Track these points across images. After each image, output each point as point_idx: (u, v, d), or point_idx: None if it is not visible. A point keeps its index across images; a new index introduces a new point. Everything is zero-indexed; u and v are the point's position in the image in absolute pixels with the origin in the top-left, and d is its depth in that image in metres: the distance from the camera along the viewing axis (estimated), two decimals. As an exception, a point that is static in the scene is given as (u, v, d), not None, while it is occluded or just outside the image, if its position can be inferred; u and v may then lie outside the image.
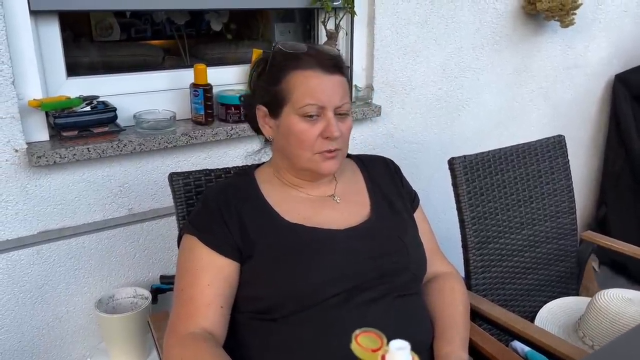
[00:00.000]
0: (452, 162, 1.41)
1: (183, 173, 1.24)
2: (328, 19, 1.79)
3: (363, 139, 1.99)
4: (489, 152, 1.48)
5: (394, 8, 1.91)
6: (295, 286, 0.97)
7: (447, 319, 1.09)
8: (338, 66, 1.05)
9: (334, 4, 1.78)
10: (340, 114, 1.03)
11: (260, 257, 0.99)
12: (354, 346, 0.50)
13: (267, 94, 1.06)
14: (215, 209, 1.03)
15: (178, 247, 1.07)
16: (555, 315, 1.50)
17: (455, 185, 1.41)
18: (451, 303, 1.12)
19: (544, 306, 1.52)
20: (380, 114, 1.96)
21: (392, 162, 1.26)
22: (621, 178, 2.65)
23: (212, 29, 1.89)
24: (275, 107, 1.05)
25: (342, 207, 1.11)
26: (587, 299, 1.49)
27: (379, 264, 1.03)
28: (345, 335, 0.92)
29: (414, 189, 1.27)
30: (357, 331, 0.52)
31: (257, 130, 1.14)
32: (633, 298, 1.37)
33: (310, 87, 1.01)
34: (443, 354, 1.03)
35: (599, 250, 1.67)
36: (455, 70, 2.16)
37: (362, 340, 0.49)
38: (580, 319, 1.43)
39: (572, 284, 1.64)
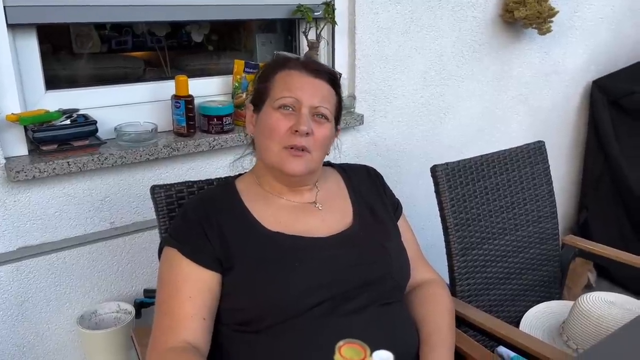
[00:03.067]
0: (434, 170, 1.42)
1: (165, 185, 1.23)
2: (309, 29, 1.79)
3: (346, 148, 1.99)
4: (470, 159, 1.49)
5: (375, 18, 1.93)
6: (275, 297, 0.97)
7: (432, 325, 1.09)
8: (326, 73, 1.10)
9: (315, 14, 1.79)
10: (317, 116, 1.05)
11: (240, 267, 0.99)
12: (337, 358, 0.50)
13: (255, 92, 1.13)
14: (195, 220, 1.02)
15: (159, 259, 1.06)
16: (539, 319, 1.51)
17: (438, 192, 1.42)
18: (436, 310, 1.12)
19: (529, 311, 1.53)
20: (363, 123, 1.97)
21: (374, 170, 1.26)
22: (601, 182, 2.69)
23: (193, 40, 1.89)
24: (259, 103, 1.10)
25: (324, 214, 1.11)
26: (571, 303, 1.50)
27: (361, 272, 1.03)
28: (329, 346, 0.92)
29: (397, 197, 1.27)
30: (341, 342, 0.52)
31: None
32: (615, 301, 1.38)
33: (291, 82, 1.06)
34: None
35: (582, 254, 1.69)
36: (437, 78, 2.18)
37: (346, 352, 0.49)
38: (564, 323, 1.44)
39: (555, 288, 1.65)
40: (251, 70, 1.69)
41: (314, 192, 1.13)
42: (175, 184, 1.22)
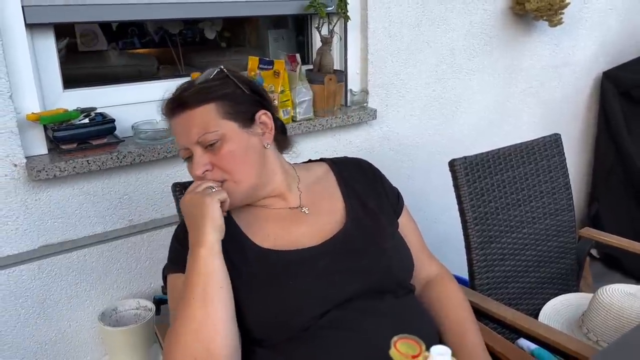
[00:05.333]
0: (453, 164, 1.42)
1: (186, 183, 1.24)
2: (322, 25, 1.79)
3: (359, 143, 2.00)
4: (488, 152, 1.49)
5: (387, 12, 1.92)
6: (274, 316, 0.96)
7: (455, 325, 1.09)
8: (189, 97, 1.01)
9: (328, 9, 1.79)
10: (208, 147, 1.00)
11: (238, 288, 0.96)
12: (392, 352, 0.50)
13: None
14: (185, 239, 1.00)
15: (164, 284, 1.05)
16: (558, 312, 1.52)
17: (457, 186, 1.42)
18: (452, 308, 1.12)
19: (547, 303, 1.54)
20: (375, 117, 1.97)
21: (368, 164, 1.23)
22: (612, 174, 2.69)
23: (206, 37, 1.89)
24: None
25: (313, 219, 1.08)
26: (589, 295, 1.50)
27: (360, 274, 1.01)
28: (349, 351, 0.93)
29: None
30: (395, 337, 0.52)
31: None
32: (635, 292, 1.39)
33: (174, 133, 1.04)
34: None
35: (598, 246, 1.69)
36: (448, 71, 2.18)
37: (401, 347, 0.49)
38: (584, 315, 1.44)
39: (572, 281, 1.66)
40: (265, 67, 1.69)
41: (297, 194, 1.11)
42: (196, 181, 1.23)
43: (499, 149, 1.51)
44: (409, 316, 1.04)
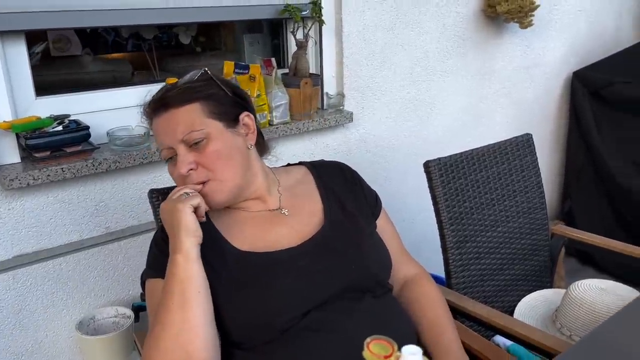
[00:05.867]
0: (427, 165, 1.45)
1: (163, 189, 1.23)
2: (297, 29, 1.80)
3: (337, 146, 2.01)
4: (461, 153, 1.52)
5: (361, 16, 1.95)
6: (254, 319, 0.97)
7: (433, 324, 1.10)
8: (174, 96, 1.02)
9: (303, 13, 1.80)
10: (193, 145, 1.00)
11: (218, 291, 0.97)
12: (365, 353, 0.51)
13: None
14: (165, 245, 1.01)
15: (143, 290, 1.05)
16: (532, 308, 1.55)
17: (431, 187, 1.44)
18: (430, 307, 1.14)
19: (522, 300, 1.57)
20: (352, 120, 1.99)
21: (347, 167, 1.25)
22: (583, 172, 2.75)
23: (181, 42, 1.89)
24: None
25: (292, 220, 1.09)
26: (562, 291, 1.54)
27: (339, 274, 1.02)
28: (328, 351, 0.94)
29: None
30: (368, 339, 0.53)
31: None
32: (607, 287, 1.43)
33: (156, 132, 1.04)
34: None
35: (571, 243, 1.73)
36: (422, 74, 2.21)
37: (374, 348, 0.51)
38: (557, 311, 1.48)
39: (546, 277, 1.69)
40: (241, 71, 1.70)
41: (276, 197, 1.12)
42: (172, 187, 1.22)
43: (472, 150, 1.54)
44: (388, 316, 1.06)
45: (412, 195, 2.21)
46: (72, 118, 1.45)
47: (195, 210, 0.98)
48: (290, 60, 1.87)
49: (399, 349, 0.51)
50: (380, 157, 2.16)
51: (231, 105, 1.07)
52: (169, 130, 1.01)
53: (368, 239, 1.12)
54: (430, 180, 1.44)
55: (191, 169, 1.00)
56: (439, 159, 1.46)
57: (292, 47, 1.86)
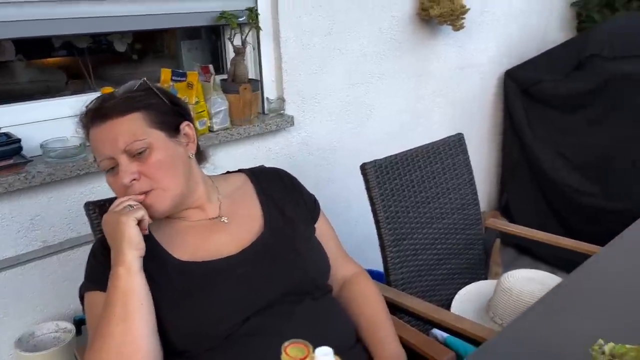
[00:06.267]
0: (364, 168, 1.49)
1: (99, 202, 1.23)
2: (234, 35, 1.82)
3: (279, 150, 2.04)
4: (397, 154, 1.58)
5: (298, 21, 1.98)
6: (195, 328, 0.98)
7: (370, 321, 1.16)
8: (114, 106, 1.01)
9: (239, 20, 1.82)
10: (137, 154, 1.00)
11: (158, 301, 0.98)
12: (283, 357, 0.54)
13: None
14: (103, 257, 1.01)
15: (81, 304, 1.05)
16: (468, 299, 1.63)
17: (368, 189, 1.49)
18: (367, 305, 1.19)
19: (458, 292, 1.65)
20: (293, 124, 2.02)
21: (286, 173, 1.28)
22: (518, 166, 2.89)
23: (116, 50, 1.86)
24: None
25: (232, 227, 1.11)
26: (495, 282, 1.62)
27: (278, 279, 1.05)
28: (269, 355, 0.97)
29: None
30: (286, 343, 0.56)
31: None
32: (533, 277, 1.52)
33: (96, 143, 1.02)
34: (381, 356, 1.09)
35: (503, 236, 1.82)
36: (360, 76, 2.26)
37: (291, 351, 0.54)
38: (490, 301, 1.56)
39: (481, 269, 1.78)
40: (179, 79, 1.70)
41: (216, 205, 1.13)
42: (109, 199, 1.22)
43: (407, 151, 1.60)
44: (327, 317, 1.10)
45: (355, 196, 2.26)
46: (2, 131, 1.42)
47: (139, 223, 0.98)
48: (229, 66, 1.88)
49: (314, 350, 0.54)
50: (322, 160, 2.20)
51: (172, 115, 1.08)
52: (110, 140, 0.99)
53: (307, 243, 1.16)
54: (367, 181, 1.49)
55: (134, 179, 1.00)
56: (375, 161, 1.51)
57: (231, 53, 1.87)
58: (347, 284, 1.24)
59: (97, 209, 1.20)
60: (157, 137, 1.02)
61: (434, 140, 1.72)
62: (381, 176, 1.50)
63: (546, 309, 1.11)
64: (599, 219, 2.51)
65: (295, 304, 1.06)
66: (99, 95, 1.08)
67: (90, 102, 1.05)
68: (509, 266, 2.74)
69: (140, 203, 1.01)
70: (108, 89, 1.52)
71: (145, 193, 1.01)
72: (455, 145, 1.71)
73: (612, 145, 2.46)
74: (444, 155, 1.68)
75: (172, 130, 1.06)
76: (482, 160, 2.99)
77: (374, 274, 1.60)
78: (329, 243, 1.23)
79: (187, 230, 1.09)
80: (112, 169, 1.02)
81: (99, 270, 1.01)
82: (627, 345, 0.83)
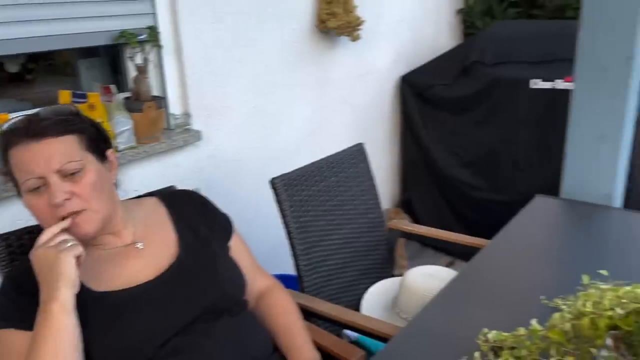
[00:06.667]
0: (273, 182, 1.56)
1: (5, 235, 1.19)
2: (135, 54, 1.81)
3: (188, 165, 2.05)
4: (303, 167, 1.66)
5: (200, 36, 2.00)
6: (120, 356, 1.02)
7: (285, 329, 1.24)
8: (50, 126, 1.02)
9: (140, 38, 1.82)
10: (70, 175, 1.01)
11: (82, 334, 0.99)
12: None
13: (6, 177, 1.05)
14: (16, 294, 1.01)
15: None
16: (377, 297, 1.75)
17: (279, 202, 1.56)
18: (282, 314, 1.27)
19: (367, 292, 1.77)
20: (200, 138, 2.05)
21: (197, 194, 1.31)
22: (416, 165, 3.10)
23: (8, 71, 1.79)
24: (17, 190, 1.05)
25: (147, 253, 1.14)
26: (400, 279, 1.76)
27: (196, 301, 1.10)
28: None
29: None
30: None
31: None
32: (433, 273, 1.67)
33: (24, 161, 1.00)
34: None
35: (404, 235, 1.97)
36: (265, 88, 2.33)
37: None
38: (396, 298, 1.69)
39: (387, 268, 1.92)
40: (79, 100, 1.67)
41: (131, 231, 1.15)
42: (14, 231, 1.20)
43: (312, 163, 1.69)
44: (245, 330, 1.17)
45: (266, 203, 2.31)
46: None
47: (76, 259, 0.98)
48: (131, 83, 1.87)
49: None
50: (232, 172, 2.25)
51: (100, 141, 1.11)
52: (44, 158, 0.99)
53: (223, 262, 1.21)
54: (277, 195, 1.56)
55: (66, 199, 1.00)
56: (283, 175, 1.59)
57: (133, 71, 1.86)
58: (263, 296, 1.31)
59: (4, 242, 1.17)
60: (90, 160, 1.06)
61: (340, 144, 1.82)
62: (290, 189, 1.58)
63: (443, 303, 1.24)
64: (487, 209, 2.76)
65: (214, 322, 1.11)
66: (20, 115, 1.06)
67: (13, 122, 1.04)
68: (414, 258, 2.94)
69: (69, 223, 1.00)
70: (4, 115, 1.47)
71: (75, 213, 1.01)
72: (357, 154, 1.83)
73: (496, 143, 2.71)
74: (347, 165, 1.79)
75: (101, 155, 1.10)
76: (384, 160, 3.17)
77: (289, 278, 1.69)
78: (244, 259, 1.29)
79: (101, 259, 1.11)
80: (37, 189, 1.00)
81: (11, 308, 1.01)
82: (505, 333, 0.97)
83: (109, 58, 1.98)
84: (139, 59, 1.83)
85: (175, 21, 1.93)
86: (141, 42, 1.83)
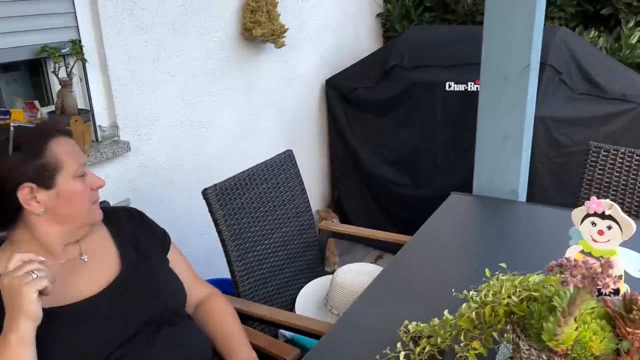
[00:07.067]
0: (205, 193, 1.62)
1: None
2: (59, 68, 1.80)
3: (118, 176, 2.06)
4: (235, 176, 1.72)
5: (124, 49, 2.01)
6: None
7: (224, 333, 1.31)
8: (67, 132, 1.17)
9: (63, 51, 1.81)
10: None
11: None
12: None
13: (31, 168, 1.07)
14: None
15: None
16: (310, 296, 1.85)
17: (211, 212, 1.62)
18: (220, 319, 1.34)
19: (300, 291, 1.86)
20: (129, 149, 2.06)
21: (134, 209, 1.36)
22: (344, 164, 3.22)
23: None
24: (47, 178, 1.08)
25: (92, 266, 1.18)
26: (331, 277, 1.86)
27: (139, 313, 1.16)
28: None
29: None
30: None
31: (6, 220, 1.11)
32: (360, 270, 1.78)
33: (72, 151, 1.13)
34: None
35: (334, 235, 2.08)
36: (193, 96, 2.36)
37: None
38: (327, 295, 1.80)
39: (319, 267, 2.02)
40: (2, 117, 1.65)
41: (75, 245, 1.18)
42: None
43: (243, 172, 1.76)
44: (186, 339, 1.23)
45: (200, 211, 2.35)
46: None
47: (42, 291, 0.98)
48: (55, 97, 1.86)
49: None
50: (164, 180, 2.27)
51: None
52: (78, 152, 1.15)
53: (163, 275, 1.27)
54: (209, 205, 1.62)
55: None
56: (215, 185, 1.64)
57: (56, 86, 1.84)
58: (201, 304, 1.38)
59: None
60: None
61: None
62: (222, 199, 1.64)
63: (369, 300, 1.35)
64: (411, 205, 2.93)
65: (157, 332, 1.17)
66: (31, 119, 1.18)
67: (30, 122, 1.19)
68: (345, 254, 3.07)
69: (96, 203, 1.17)
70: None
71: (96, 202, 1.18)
72: (286, 161, 1.91)
73: (416, 143, 2.89)
74: (277, 171, 1.87)
75: None
76: (314, 161, 3.27)
77: (225, 282, 1.75)
78: (183, 270, 1.35)
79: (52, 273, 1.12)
80: (82, 176, 1.13)
81: None
82: (422, 324, 1.09)
83: (30, 71, 1.95)
84: (62, 73, 1.82)
85: (99, 34, 1.93)
86: (64, 56, 1.82)
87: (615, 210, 1.02)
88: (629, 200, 1.86)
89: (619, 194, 1.87)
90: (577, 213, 1.07)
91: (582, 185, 1.93)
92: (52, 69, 1.80)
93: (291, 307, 1.82)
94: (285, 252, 1.86)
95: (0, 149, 1.06)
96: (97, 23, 1.92)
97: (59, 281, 1.10)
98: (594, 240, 1.06)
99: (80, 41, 1.86)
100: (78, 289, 1.13)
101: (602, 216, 1.03)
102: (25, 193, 1.07)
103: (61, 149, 1.10)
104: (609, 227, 1.03)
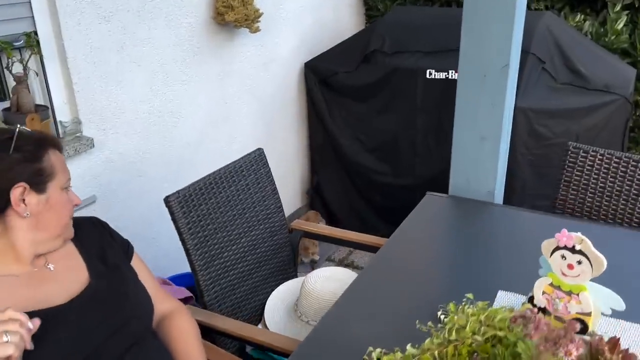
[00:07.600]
0: (168, 200, 1.54)
1: None
2: (12, 64, 1.69)
3: (82, 172, 1.97)
4: (200, 180, 1.65)
5: (85, 39, 1.90)
6: None
7: (184, 354, 1.28)
8: (60, 147, 1.21)
9: (16, 44, 1.70)
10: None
11: None
12: None
13: (28, 170, 1.10)
14: None
15: None
16: (280, 300, 1.81)
17: (174, 220, 1.55)
18: (181, 338, 1.31)
19: (270, 295, 1.81)
20: (93, 145, 1.97)
21: (98, 220, 1.34)
22: (324, 150, 3.15)
23: None
24: (40, 183, 1.11)
25: (59, 275, 1.16)
26: (302, 280, 1.82)
27: (108, 325, 1.14)
28: None
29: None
30: None
31: None
32: (331, 275, 1.74)
33: (62, 165, 1.18)
34: None
35: (306, 235, 2.03)
36: (162, 85, 2.26)
37: None
38: (298, 300, 1.75)
39: (291, 268, 1.97)
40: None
41: (44, 255, 1.17)
42: None
43: (209, 175, 1.68)
44: (152, 355, 1.20)
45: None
46: None
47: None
48: (10, 94, 1.75)
49: None
50: (132, 175, 2.18)
51: None
52: (66, 166, 1.19)
53: (133, 286, 1.25)
54: (172, 214, 1.55)
55: None
56: (178, 192, 1.57)
57: (11, 83, 1.74)
58: (164, 319, 1.34)
59: None
60: None
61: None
62: (186, 206, 1.57)
63: (338, 314, 1.30)
64: (391, 193, 2.88)
65: (123, 347, 1.14)
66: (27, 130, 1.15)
67: (31, 131, 1.18)
68: (325, 252, 3.02)
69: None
70: None
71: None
72: (256, 160, 1.84)
73: (396, 130, 2.81)
74: (247, 172, 1.80)
75: None
76: (293, 146, 3.19)
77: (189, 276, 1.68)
78: (146, 280, 1.31)
79: (15, 282, 1.10)
80: (67, 189, 1.18)
81: None
82: (385, 356, 1.05)
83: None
84: (18, 68, 1.72)
85: (57, 24, 1.81)
86: (20, 49, 1.71)
87: (586, 245, 0.97)
88: (606, 203, 1.82)
89: (596, 196, 1.83)
90: (547, 245, 1.02)
91: (560, 186, 1.89)
92: (6, 65, 1.70)
93: (261, 312, 1.78)
94: (254, 257, 1.80)
95: (1, 146, 1.09)
96: (55, 13, 1.80)
97: (27, 292, 1.10)
98: (563, 274, 1.01)
99: (36, 33, 1.75)
100: (46, 298, 1.11)
101: (573, 250, 0.99)
102: (17, 193, 1.08)
103: (56, 159, 1.15)
104: (579, 262, 0.99)
